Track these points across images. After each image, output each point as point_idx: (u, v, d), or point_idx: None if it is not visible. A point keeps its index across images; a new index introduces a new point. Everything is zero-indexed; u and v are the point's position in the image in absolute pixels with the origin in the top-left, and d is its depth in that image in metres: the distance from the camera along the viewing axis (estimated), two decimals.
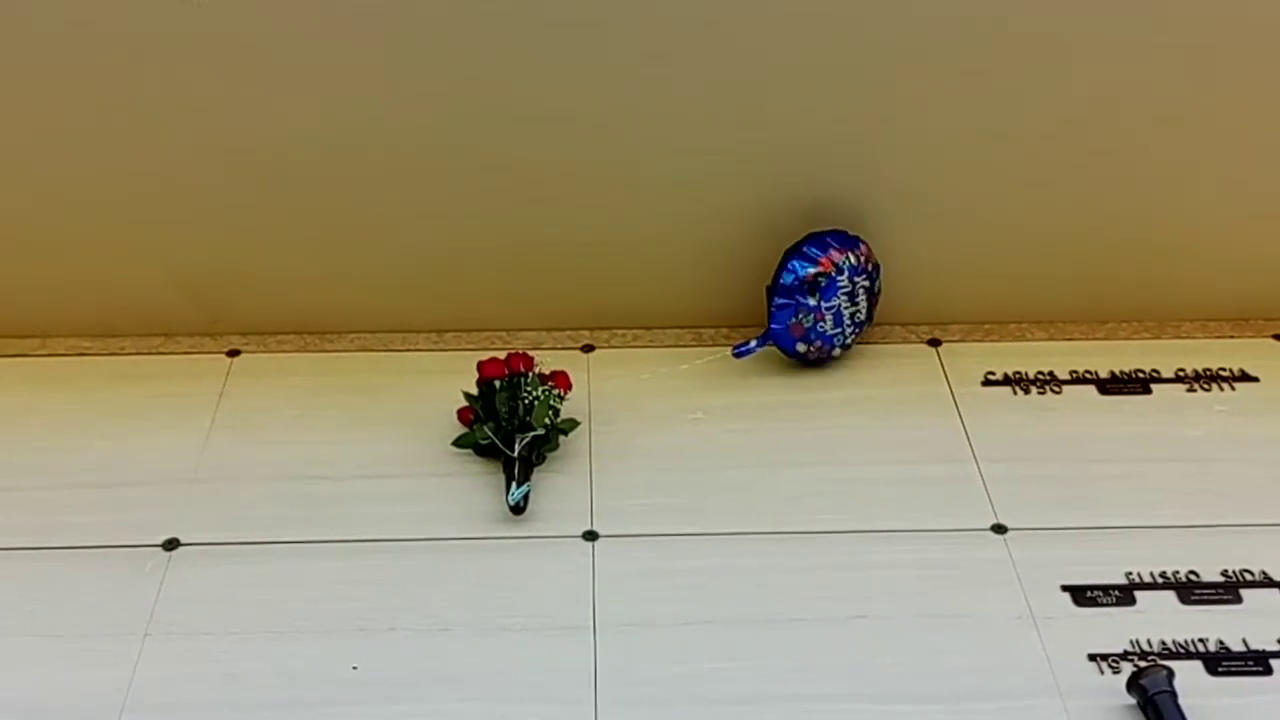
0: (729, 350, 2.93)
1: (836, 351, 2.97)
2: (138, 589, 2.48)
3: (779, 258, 2.90)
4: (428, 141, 2.84)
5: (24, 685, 2.32)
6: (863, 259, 2.91)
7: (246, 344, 3.05)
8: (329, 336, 3.07)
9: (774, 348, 2.93)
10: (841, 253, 2.88)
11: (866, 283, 2.94)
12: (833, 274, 2.87)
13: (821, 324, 2.91)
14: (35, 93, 2.74)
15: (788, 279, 2.86)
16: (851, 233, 2.91)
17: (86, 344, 3.03)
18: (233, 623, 2.43)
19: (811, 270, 2.86)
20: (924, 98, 2.82)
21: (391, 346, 3.05)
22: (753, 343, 2.91)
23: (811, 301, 2.87)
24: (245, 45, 2.70)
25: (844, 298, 2.90)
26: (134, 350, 3.03)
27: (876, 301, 3.00)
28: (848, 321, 2.94)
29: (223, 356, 3.02)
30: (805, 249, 2.87)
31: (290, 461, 2.75)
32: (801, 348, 2.93)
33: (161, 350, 3.04)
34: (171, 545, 2.57)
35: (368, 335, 3.08)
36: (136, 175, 2.86)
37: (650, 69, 2.76)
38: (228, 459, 2.76)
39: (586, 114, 2.82)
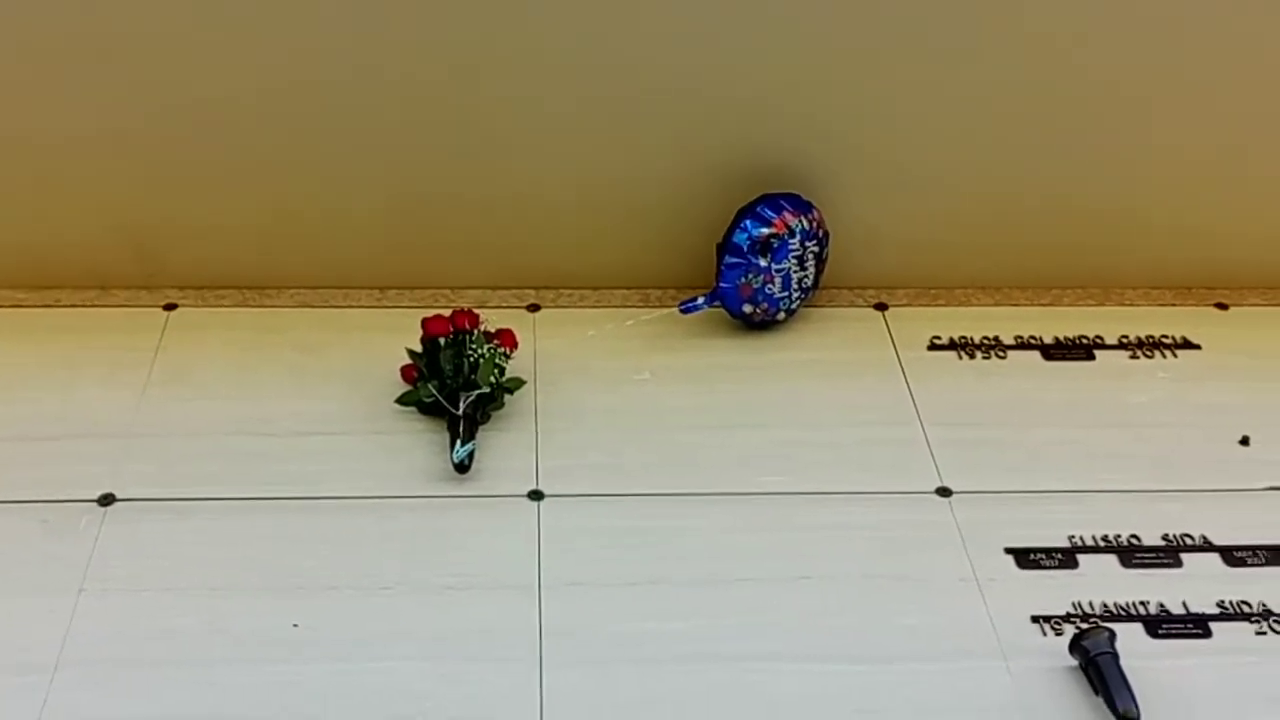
0: (675, 307, 2.91)
1: (781, 315, 2.96)
2: (73, 544, 2.43)
3: (729, 219, 2.88)
4: (372, 95, 2.80)
5: None
6: (815, 224, 2.91)
7: (184, 298, 3.00)
8: (268, 292, 3.02)
9: (720, 309, 2.92)
10: (795, 216, 2.87)
11: (816, 248, 2.93)
12: (785, 236, 2.86)
13: (770, 286, 2.90)
14: None
15: (740, 238, 2.85)
16: (805, 197, 2.90)
17: (21, 295, 2.96)
18: (170, 579, 2.39)
19: (765, 231, 2.85)
20: (876, 65, 2.82)
21: (332, 303, 3.01)
22: (700, 299, 2.90)
23: (762, 262, 2.86)
24: None
25: (794, 261, 2.89)
26: (69, 302, 2.97)
27: (823, 269, 2.99)
28: (795, 286, 2.93)
29: (159, 310, 2.97)
30: (759, 209, 2.86)
31: (229, 417, 2.70)
32: (748, 309, 2.92)
33: (97, 303, 2.97)
34: (107, 500, 2.52)
35: (308, 291, 3.03)
36: (73, 124, 2.80)
37: (602, 26, 2.74)
38: (165, 414, 2.71)
39: (536, 71, 2.79)
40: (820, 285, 3.01)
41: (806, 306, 3.00)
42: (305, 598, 2.37)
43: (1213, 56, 2.84)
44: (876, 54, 2.80)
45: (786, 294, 2.93)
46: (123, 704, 2.20)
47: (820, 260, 2.96)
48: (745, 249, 2.85)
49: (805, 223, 2.88)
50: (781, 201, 2.87)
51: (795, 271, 2.91)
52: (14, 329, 2.89)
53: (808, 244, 2.90)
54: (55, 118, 2.79)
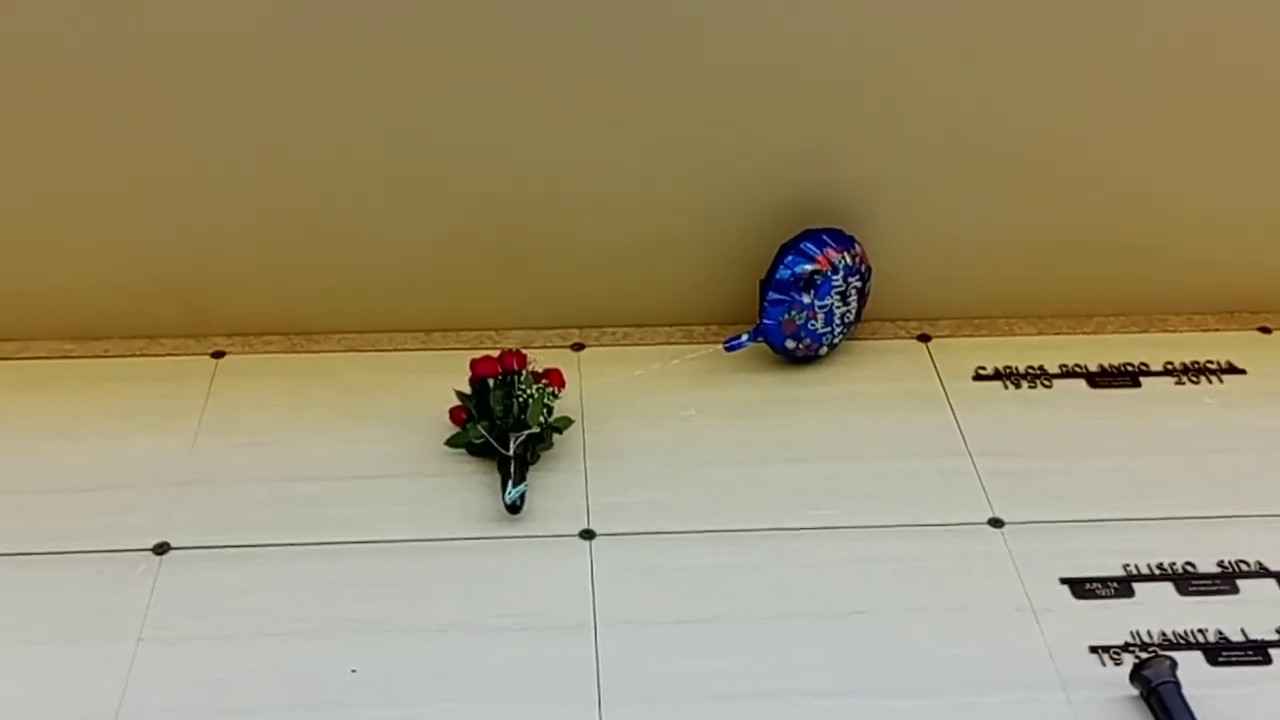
0: (720, 345, 2.92)
1: (824, 350, 2.96)
2: (129, 594, 2.44)
3: (771, 255, 2.89)
4: (415, 140, 2.81)
5: (15, 693, 2.28)
6: (857, 259, 2.91)
7: (231, 345, 3.01)
8: (315, 337, 3.04)
9: (762, 343, 2.92)
10: (838, 252, 2.87)
11: (859, 284, 2.94)
12: (828, 273, 2.86)
13: (813, 322, 2.90)
14: (18, 90, 2.70)
15: (783, 274, 2.85)
16: (847, 232, 2.91)
17: (69, 346, 2.99)
18: (227, 626, 2.40)
19: (808, 267, 2.85)
20: (916, 99, 2.82)
21: (379, 346, 3.02)
22: (744, 337, 2.90)
23: (805, 299, 2.86)
24: (233, 43, 2.67)
25: (837, 297, 2.90)
26: (117, 353, 2.99)
27: (865, 303, 2.99)
28: (838, 321, 2.94)
29: (207, 358, 2.98)
30: (802, 245, 2.86)
31: (280, 463, 2.72)
32: (791, 344, 2.92)
33: (145, 352, 2.99)
34: (162, 549, 2.53)
35: (354, 335, 3.04)
36: (120, 175, 2.82)
37: (644, 67, 2.75)
38: (217, 461, 2.72)
39: (577, 112, 2.80)
40: (862, 319, 3.01)
41: (849, 339, 3.00)
42: (362, 641, 2.37)
43: (1252, 84, 2.84)
44: (917, 88, 2.80)
45: (829, 329, 2.93)
46: None
47: (862, 295, 2.97)
48: (788, 285, 2.86)
49: (848, 258, 2.89)
50: (824, 237, 2.88)
51: (838, 307, 2.92)
52: (63, 380, 2.91)
53: (850, 279, 2.91)
54: (99, 168, 2.81)
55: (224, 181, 2.84)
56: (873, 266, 2.96)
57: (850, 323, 2.97)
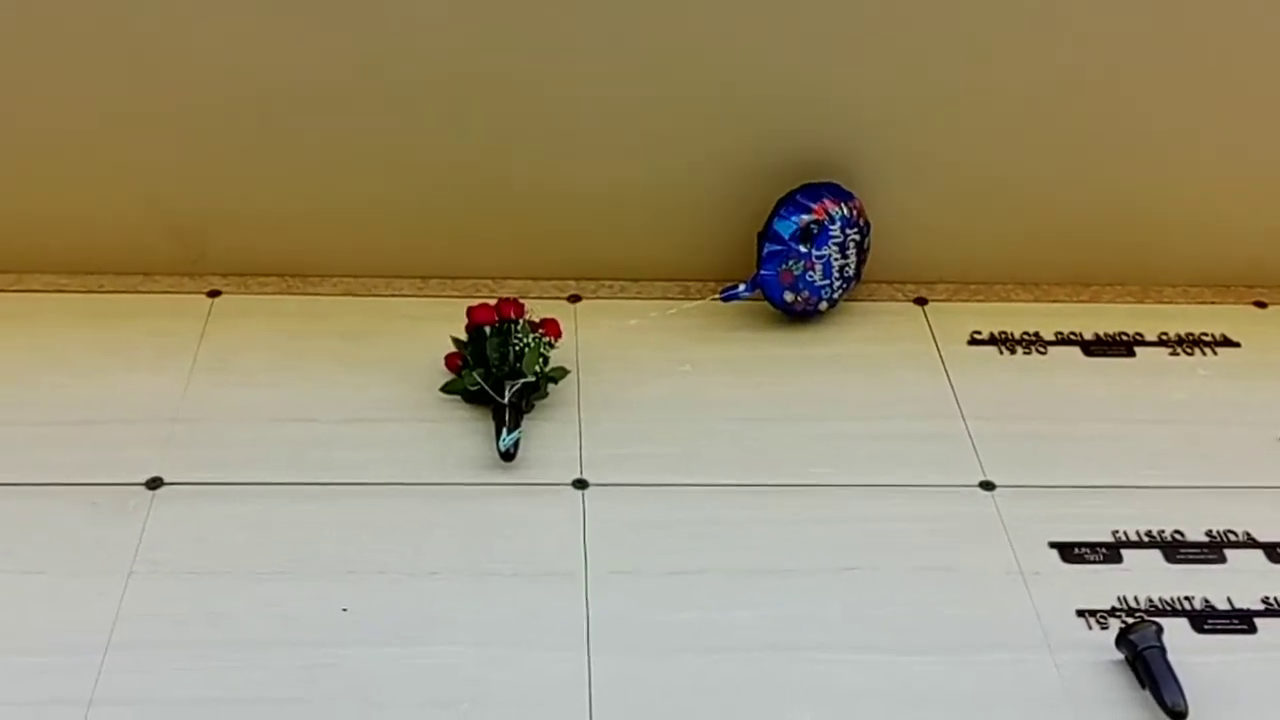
0: (716, 294, 2.92)
1: (823, 305, 2.96)
2: (122, 527, 2.44)
3: (769, 212, 2.89)
4: (415, 87, 2.81)
5: (6, 621, 2.28)
6: (855, 213, 2.91)
7: (227, 285, 3.00)
8: (311, 280, 3.03)
9: (761, 299, 2.92)
10: (835, 203, 2.87)
11: (857, 237, 2.93)
12: (826, 222, 2.86)
13: (811, 273, 2.90)
14: (15, 22, 2.68)
15: (780, 224, 2.86)
16: (846, 188, 2.90)
17: (64, 281, 2.97)
18: (219, 562, 2.40)
19: (805, 217, 2.85)
20: (917, 58, 2.82)
21: (376, 291, 3.02)
22: (740, 287, 2.90)
23: (803, 249, 2.86)
24: None
25: (835, 248, 2.89)
26: (112, 289, 2.97)
27: (865, 260, 2.99)
28: (836, 274, 2.93)
29: (203, 297, 2.97)
30: (799, 197, 2.87)
31: (275, 403, 2.71)
32: (789, 297, 2.92)
33: (140, 289, 2.98)
34: (155, 484, 2.53)
35: (351, 279, 3.03)
36: (119, 110, 2.81)
37: (644, 17, 2.74)
38: (211, 400, 2.72)
39: (577, 61, 2.79)
40: (862, 277, 3.01)
41: (847, 300, 3.00)
42: (354, 582, 2.38)
43: (1254, 54, 2.84)
44: (916, 50, 2.81)
45: (828, 282, 2.93)
46: (172, 685, 2.21)
47: (861, 250, 2.96)
48: (786, 236, 2.86)
49: (845, 210, 2.89)
50: (822, 190, 2.88)
51: (836, 259, 2.91)
52: (58, 314, 2.90)
53: (848, 231, 2.90)
54: (98, 105, 2.80)
55: (223, 120, 2.83)
56: (871, 224, 2.95)
57: (850, 278, 2.96)
